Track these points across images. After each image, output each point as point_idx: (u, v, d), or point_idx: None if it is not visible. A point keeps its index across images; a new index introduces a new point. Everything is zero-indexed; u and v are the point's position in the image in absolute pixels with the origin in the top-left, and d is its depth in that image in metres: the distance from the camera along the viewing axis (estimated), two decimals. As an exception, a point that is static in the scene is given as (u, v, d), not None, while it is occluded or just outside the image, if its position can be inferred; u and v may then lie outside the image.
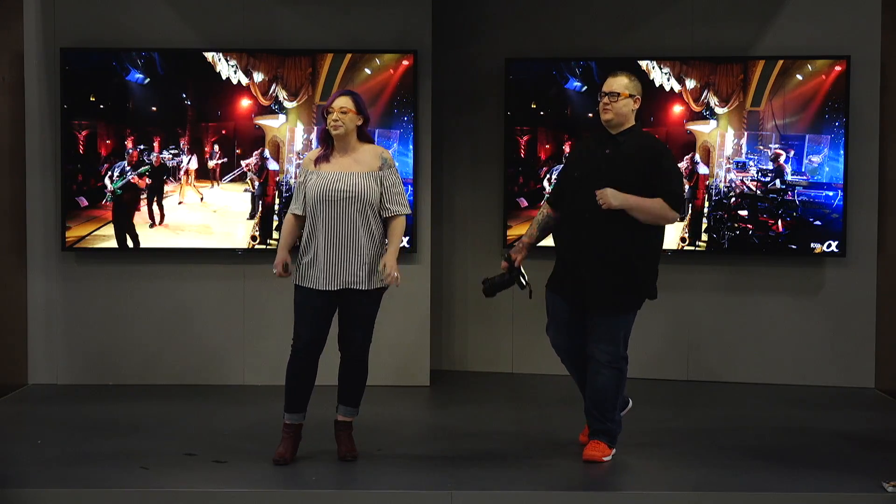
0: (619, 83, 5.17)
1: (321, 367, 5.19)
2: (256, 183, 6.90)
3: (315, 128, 6.86)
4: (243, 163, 6.89)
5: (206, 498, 4.73)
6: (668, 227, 5.33)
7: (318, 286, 5.05)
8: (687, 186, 7.03)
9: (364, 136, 5.16)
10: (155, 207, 6.88)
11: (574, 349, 5.31)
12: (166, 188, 6.86)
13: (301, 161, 6.33)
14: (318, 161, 5.13)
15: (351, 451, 5.19)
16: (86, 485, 4.80)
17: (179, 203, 6.88)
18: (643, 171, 5.07)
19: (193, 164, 6.87)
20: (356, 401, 5.24)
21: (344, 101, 5.06)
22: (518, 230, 7.24)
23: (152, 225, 6.87)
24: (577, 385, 5.45)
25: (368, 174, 5.05)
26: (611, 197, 5.02)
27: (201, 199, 6.88)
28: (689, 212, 7.07)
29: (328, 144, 5.14)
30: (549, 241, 5.43)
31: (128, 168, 6.84)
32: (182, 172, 6.87)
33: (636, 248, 5.12)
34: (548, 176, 7.19)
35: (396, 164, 5.24)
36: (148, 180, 6.84)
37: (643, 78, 6.95)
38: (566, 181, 5.31)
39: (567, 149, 7.14)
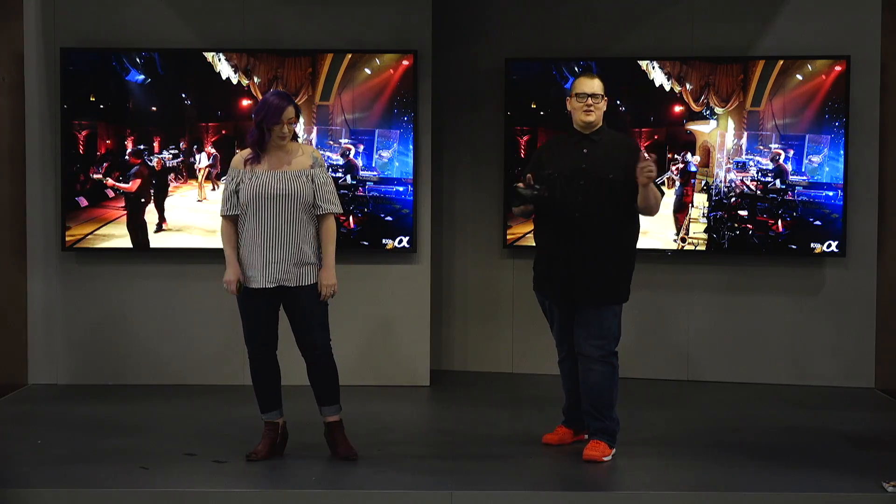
0: (599, 85, 5.27)
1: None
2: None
3: (315, 127, 6.86)
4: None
5: (206, 498, 4.73)
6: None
7: (253, 285, 5.07)
8: (678, 184, 7.06)
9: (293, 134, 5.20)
10: (157, 208, 6.88)
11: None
12: (171, 186, 6.85)
13: None
14: (248, 162, 5.11)
15: (349, 451, 5.18)
16: (86, 485, 4.80)
17: (198, 201, 6.88)
18: (626, 167, 5.15)
19: (205, 163, 6.86)
20: (334, 398, 5.23)
21: (293, 113, 5.06)
22: (518, 230, 7.24)
23: (158, 223, 6.87)
24: (563, 384, 5.54)
25: (301, 172, 5.07)
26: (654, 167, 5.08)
27: (198, 201, 6.89)
28: (689, 212, 7.07)
29: (260, 146, 5.09)
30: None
31: (130, 173, 6.84)
32: (197, 170, 6.86)
33: (622, 243, 5.26)
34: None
35: (326, 163, 5.30)
36: (144, 185, 6.86)
37: (643, 78, 7.00)
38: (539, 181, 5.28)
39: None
